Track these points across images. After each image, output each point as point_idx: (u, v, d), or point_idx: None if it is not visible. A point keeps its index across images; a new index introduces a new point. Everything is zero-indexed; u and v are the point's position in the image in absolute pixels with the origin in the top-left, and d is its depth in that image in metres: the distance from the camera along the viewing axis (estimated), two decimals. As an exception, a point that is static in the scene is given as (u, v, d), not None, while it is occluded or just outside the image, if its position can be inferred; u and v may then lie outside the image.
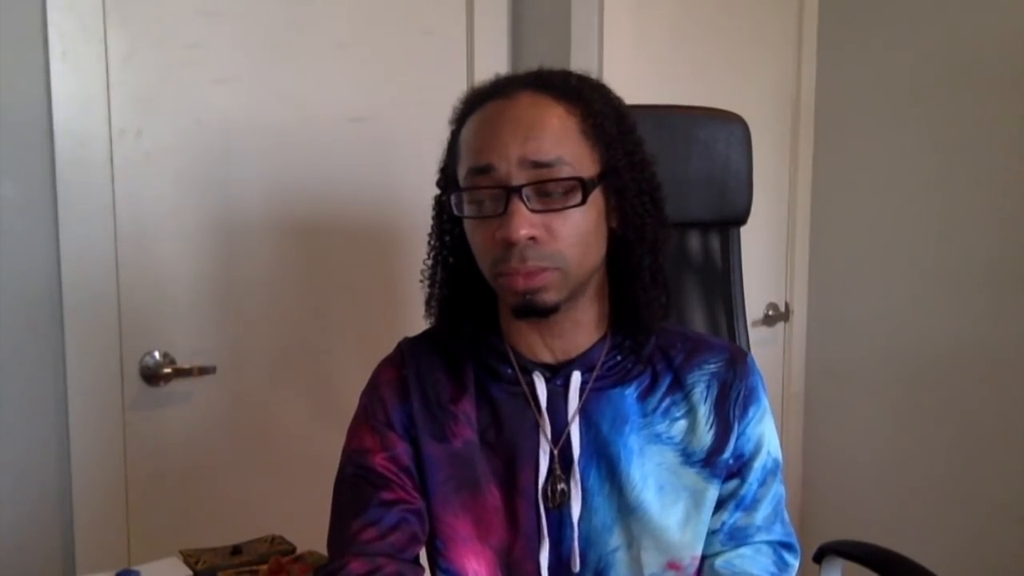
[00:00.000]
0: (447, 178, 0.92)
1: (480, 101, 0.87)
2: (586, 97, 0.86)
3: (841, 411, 2.34)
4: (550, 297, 0.83)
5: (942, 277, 2.09)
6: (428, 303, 0.94)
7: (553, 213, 0.82)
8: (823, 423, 2.38)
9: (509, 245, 0.81)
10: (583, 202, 0.82)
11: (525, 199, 0.81)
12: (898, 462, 2.20)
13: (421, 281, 0.94)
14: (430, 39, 1.77)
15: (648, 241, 0.88)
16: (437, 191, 0.94)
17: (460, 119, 0.90)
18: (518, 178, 0.81)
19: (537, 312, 0.85)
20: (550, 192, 0.82)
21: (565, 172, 0.82)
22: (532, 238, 0.81)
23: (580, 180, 0.82)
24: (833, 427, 2.36)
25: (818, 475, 2.38)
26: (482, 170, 0.83)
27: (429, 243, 0.94)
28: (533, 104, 0.84)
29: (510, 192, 0.81)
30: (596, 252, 0.87)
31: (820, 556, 1.36)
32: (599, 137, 0.85)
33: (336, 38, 1.65)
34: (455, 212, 0.87)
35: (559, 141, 0.82)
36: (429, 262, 0.94)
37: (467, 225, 0.87)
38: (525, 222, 0.80)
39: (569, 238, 0.83)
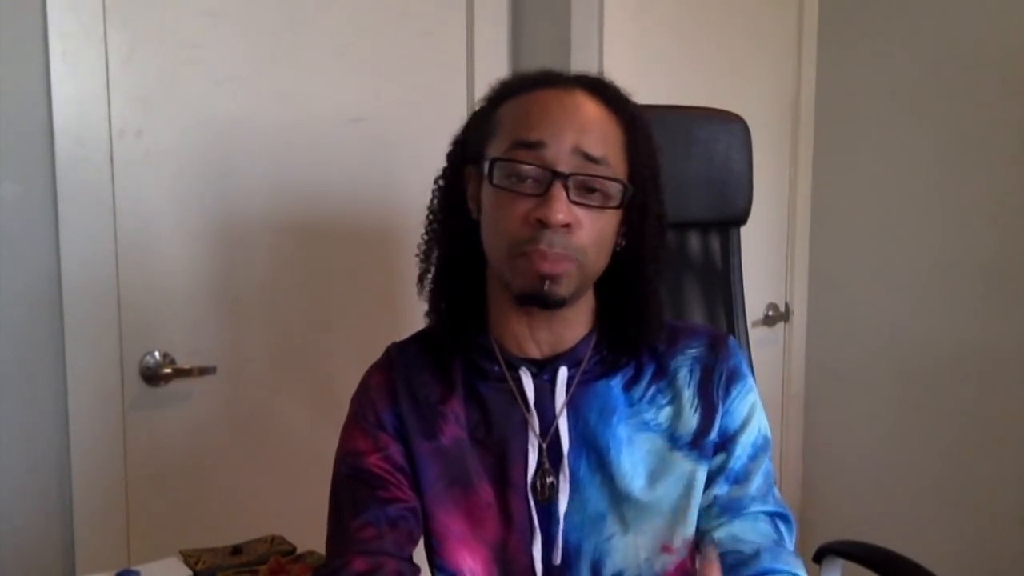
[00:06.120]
0: (467, 152, 0.92)
1: (528, 86, 0.88)
2: (630, 112, 0.88)
3: (841, 411, 2.34)
4: (563, 289, 0.85)
5: (942, 277, 2.09)
6: (421, 279, 0.95)
7: (586, 208, 0.83)
8: (823, 423, 2.38)
9: (543, 226, 0.82)
10: (620, 206, 0.85)
11: (567, 188, 0.82)
12: (898, 462, 2.20)
13: (416, 255, 0.95)
14: (430, 39, 1.77)
15: (658, 260, 0.92)
16: (445, 164, 0.94)
17: (498, 98, 0.90)
18: (566, 165, 0.83)
19: (545, 303, 0.85)
20: (592, 188, 0.84)
21: (609, 173, 0.84)
22: (566, 225, 0.82)
23: (623, 184, 0.85)
24: (833, 427, 2.36)
25: (818, 475, 2.38)
26: (531, 145, 0.83)
27: (428, 218, 0.95)
28: (588, 102, 0.86)
29: (556, 176, 0.82)
30: (606, 257, 0.89)
31: (820, 556, 1.36)
32: (634, 154, 0.88)
33: (336, 38, 1.64)
34: (489, 180, 0.86)
35: (608, 144, 0.85)
36: (425, 237, 0.95)
37: (494, 196, 0.86)
38: (565, 207, 0.82)
39: (592, 235, 0.85)
